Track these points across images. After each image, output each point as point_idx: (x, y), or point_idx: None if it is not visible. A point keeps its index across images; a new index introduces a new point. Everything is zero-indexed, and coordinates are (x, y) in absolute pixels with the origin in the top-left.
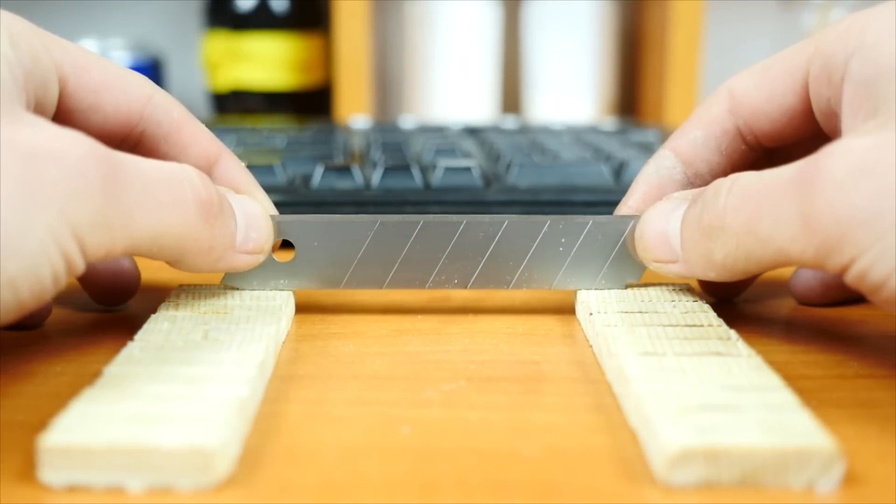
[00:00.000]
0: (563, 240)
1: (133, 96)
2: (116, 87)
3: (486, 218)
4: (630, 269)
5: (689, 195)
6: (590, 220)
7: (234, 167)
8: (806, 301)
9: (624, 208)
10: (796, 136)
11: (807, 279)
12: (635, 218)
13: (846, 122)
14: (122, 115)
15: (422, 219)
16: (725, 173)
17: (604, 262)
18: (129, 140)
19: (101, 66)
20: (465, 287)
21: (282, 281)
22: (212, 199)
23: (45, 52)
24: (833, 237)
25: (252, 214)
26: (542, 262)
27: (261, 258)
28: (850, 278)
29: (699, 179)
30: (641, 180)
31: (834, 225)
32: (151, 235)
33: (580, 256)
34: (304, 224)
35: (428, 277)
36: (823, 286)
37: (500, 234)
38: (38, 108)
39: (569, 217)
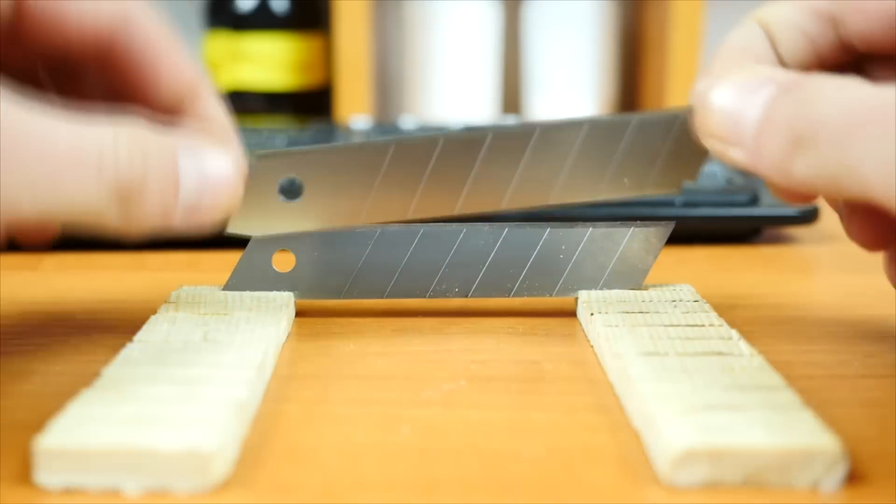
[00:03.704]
0: (563, 247)
1: (103, 14)
2: (84, 2)
3: (486, 226)
4: (630, 278)
5: (777, 76)
6: (589, 228)
7: (210, 104)
8: None
9: (704, 82)
10: (891, 47)
11: None
12: (633, 225)
13: None
14: (87, 35)
15: (421, 228)
16: (810, 63)
17: (603, 270)
18: (96, 61)
19: None
20: (466, 296)
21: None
22: (132, 177)
23: None
24: None
25: (213, 174)
26: (542, 271)
27: (215, 219)
28: None
29: (781, 60)
30: (725, 52)
31: None
32: (42, 214)
33: (580, 264)
34: (304, 235)
35: (428, 286)
36: None
37: (500, 241)
38: None
39: (568, 224)
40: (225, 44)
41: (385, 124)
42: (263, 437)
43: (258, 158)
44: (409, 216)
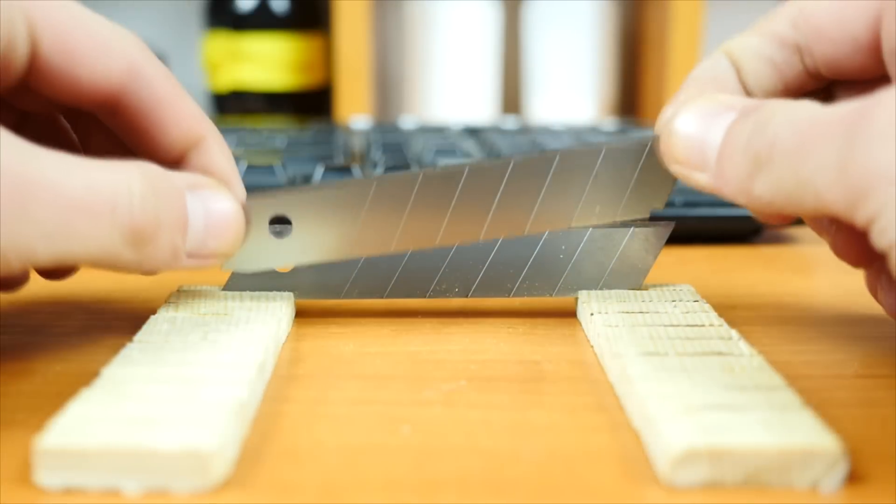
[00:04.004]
0: (563, 247)
1: (114, 67)
2: (95, 56)
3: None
4: (630, 277)
5: (737, 104)
6: (589, 228)
7: (215, 152)
8: None
9: (669, 110)
10: (857, 71)
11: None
12: (633, 225)
13: None
14: (99, 86)
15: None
16: (776, 91)
17: (604, 270)
18: (106, 109)
19: (83, 30)
20: (467, 295)
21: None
22: (146, 223)
23: (20, 10)
24: (862, 188)
25: (218, 217)
26: (542, 270)
27: (219, 261)
28: (873, 237)
29: (747, 89)
30: (691, 82)
31: (864, 176)
32: (58, 260)
33: (580, 264)
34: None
35: (428, 286)
36: None
37: (500, 241)
38: (2, 70)
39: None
40: (225, 44)
41: (385, 124)
42: (263, 437)
43: (248, 199)
44: (393, 249)
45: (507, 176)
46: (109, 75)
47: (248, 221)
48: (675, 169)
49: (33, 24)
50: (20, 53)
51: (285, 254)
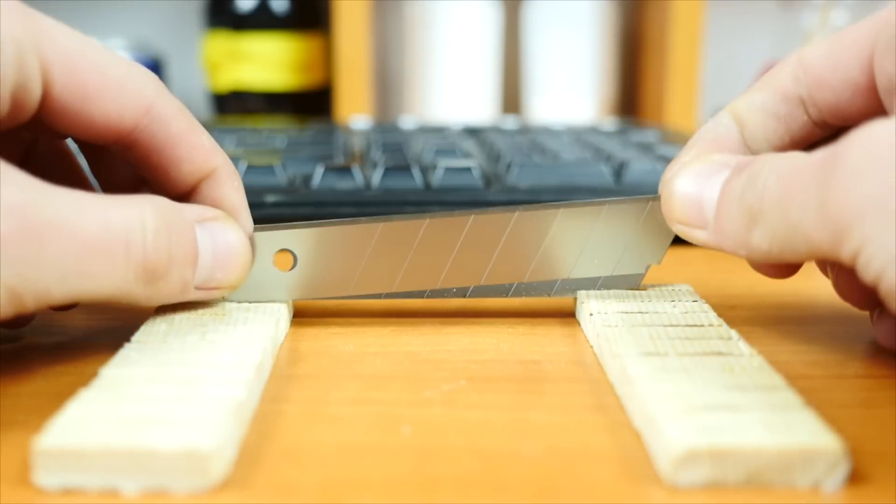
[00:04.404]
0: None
1: (127, 106)
2: (109, 96)
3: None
4: (629, 278)
5: (731, 161)
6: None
7: (224, 185)
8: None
9: (676, 166)
10: (860, 114)
11: (889, 327)
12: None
13: None
14: (111, 125)
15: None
16: (783, 143)
17: (603, 270)
18: (119, 145)
19: (96, 69)
20: (465, 296)
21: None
22: (158, 260)
23: (33, 50)
24: (842, 226)
25: (226, 250)
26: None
27: (225, 293)
28: (860, 272)
29: (755, 145)
30: (696, 140)
31: (843, 213)
32: (71, 300)
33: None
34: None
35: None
36: None
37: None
38: (13, 111)
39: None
40: (225, 44)
41: (385, 124)
42: (262, 437)
43: (254, 231)
44: (394, 289)
45: (510, 227)
46: (123, 114)
47: (253, 253)
48: (678, 228)
49: (46, 63)
50: (33, 93)
51: (287, 288)
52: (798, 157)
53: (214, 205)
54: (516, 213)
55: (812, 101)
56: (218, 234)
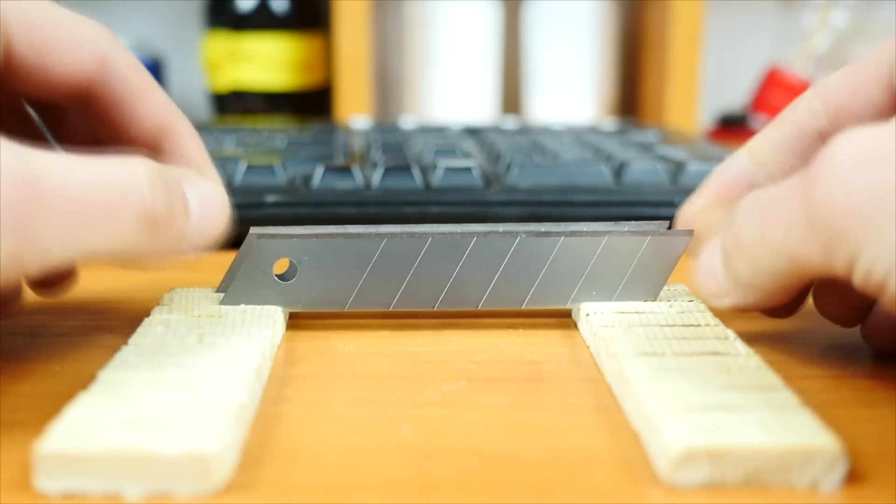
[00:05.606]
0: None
1: (84, 58)
2: (65, 48)
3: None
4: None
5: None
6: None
7: (188, 141)
8: (883, 348)
9: (690, 208)
10: None
11: (879, 324)
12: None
13: None
14: (70, 78)
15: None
16: None
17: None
18: (77, 101)
19: (52, 23)
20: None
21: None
22: (159, 209)
23: None
24: (834, 234)
25: (208, 203)
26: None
27: (213, 243)
28: (857, 281)
29: (772, 183)
30: (710, 180)
31: (834, 220)
32: (77, 257)
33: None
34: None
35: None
36: None
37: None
38: None
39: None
40: (225, 44)
41: (385, 124)
42: (264, 439)
43: (258, 237)
44: (392, 307)
45: (512, 249)
46: (81, 68)
47: (248, 254)
48: (715, 303)
49: (7, 23)
50: None
51: (286, 297)
52: (773, 187)
53: (179, 162)
54: (518, 238)
55: (835, 132)
56: (199, 188)
